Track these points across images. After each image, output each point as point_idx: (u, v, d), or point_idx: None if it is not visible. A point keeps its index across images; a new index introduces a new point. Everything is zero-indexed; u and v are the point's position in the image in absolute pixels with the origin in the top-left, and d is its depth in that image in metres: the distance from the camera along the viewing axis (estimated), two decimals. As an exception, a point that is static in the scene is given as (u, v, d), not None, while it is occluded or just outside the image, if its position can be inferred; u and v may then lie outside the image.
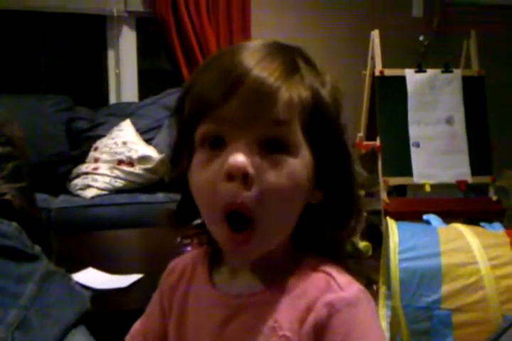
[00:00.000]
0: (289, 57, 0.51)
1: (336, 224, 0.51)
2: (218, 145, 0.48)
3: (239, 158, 0.46)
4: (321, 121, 0.50)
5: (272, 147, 0.48)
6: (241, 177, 0.46)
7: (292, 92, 0.48)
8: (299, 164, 0.48)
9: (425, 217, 1.54)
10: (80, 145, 2.45)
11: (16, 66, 2.89)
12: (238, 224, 0.47)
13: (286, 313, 0.48)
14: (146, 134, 2.43)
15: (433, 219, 1.50)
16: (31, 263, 0.73)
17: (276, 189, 0.47)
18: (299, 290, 0.48)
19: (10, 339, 0.59)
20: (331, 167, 0.51)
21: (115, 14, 2.81)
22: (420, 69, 2.50)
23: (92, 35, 3.01)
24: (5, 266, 0.69)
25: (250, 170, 0.46)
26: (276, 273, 0.50)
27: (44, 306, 0.67)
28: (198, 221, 0.56)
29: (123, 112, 2.55)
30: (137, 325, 0.61)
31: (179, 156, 0.53)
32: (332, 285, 0.47)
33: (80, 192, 2.17)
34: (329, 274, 0.49)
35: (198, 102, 0.49)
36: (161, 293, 0.60)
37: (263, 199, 0.47)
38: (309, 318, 0.46)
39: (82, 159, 2.36)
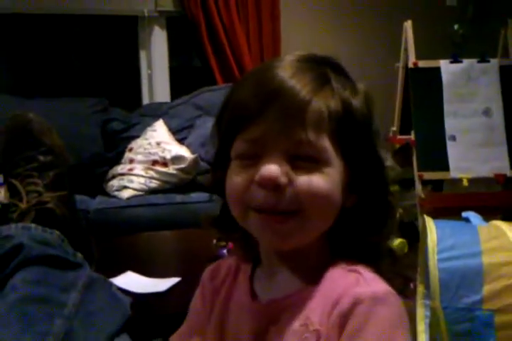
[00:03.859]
0: (320, 71, 0.53)
1: (369, 229, 0.53)
2: (253, 158, 0.51)
3: (271, 168, 0.49)
4: (351, 129, 0.52)
5: (304, 159, 0.50)
6: (273, 187, 0.49)
7: (323, 105, 0.50)
8: (330, 170, 0.51)
9: (464, 214, 1.50)
10: (115, 146, 2.50)
11: (50, 69, 2.95)
12: (273, 214, 0.50)
13: (317, 309, 0.49)
14: (179, 134, 2.46)
15: (472, 216, 1.46)
16: (74, 272, 0.75)
17: (310, 190, 0.49)
18: (329, 287, 0.50)
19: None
20: (363, 174, 0.52)
21: (146, 14, 2.84)
22: (455, 60, 2.43)
23: (124, 36, 3.05)
24: (49, 274, 0.71)
25: (282, 179, 0.49)
26: (309, 275, 0.52)
27: (88, 315, 0.69)
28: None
29: (156, 112, 2.58)
30: (182, 329, 0.62)
31: (219, 163, 0.56)
32: (360, 281, 0.49)
33: (116, 193, 2.21)
34: (358, 272, 0.50)
35: (236, 114, 0.52)
36: (204, 298, 0.61)
37: (299, 199, 0.49)
38: (336, 310, 0.48)
39: (117, 160, 2.40)
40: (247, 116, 0.50)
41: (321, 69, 0.53)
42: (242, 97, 0.52)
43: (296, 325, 0.50)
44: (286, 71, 0.51)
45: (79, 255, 0.80)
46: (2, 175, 0.91)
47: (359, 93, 0.54)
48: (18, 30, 2.89)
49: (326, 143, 0.50)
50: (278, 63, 0.53)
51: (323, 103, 0.50)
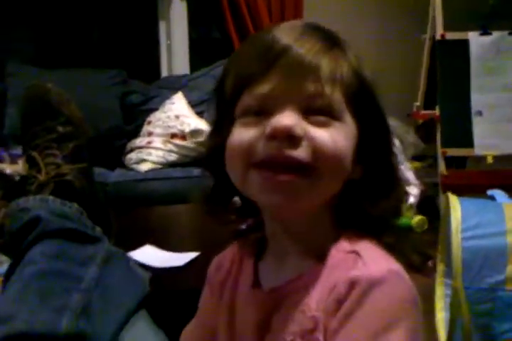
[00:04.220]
0: (329, 32, 0.51)
1: (375, 201, 0.51)
2: (261, 114, 0.48)
3: (284, 119, 0.46)
4: (363, 94, 0.50)
5: (317, 113, 0.48)
6: (286, 137, 0.45)
7: (335, 63, 0.49)
8: (344, 127, 0.48)
9: (489, 192, 1.46)
10: (134, 118, 2.48)
11: (70, 40, 2.92)
12: (281, 169, 0.46)
13: (315, 295, 0.48)
14: (198, 107, 2.43)
15: (498, 194, 1.42)
16: (93, 245, 0.74)
17: (329, 144, 0.46)
18: (329, 271, 0.48)
19: (75, 325, 0.60)
20: (372, 141, 0.50)
21: (165, -16, 2.78)
22: (485, 32, 2.34)
23: (144, 6, 2.99)
24: (68, 248, 0.70)
25: (297, 130, 0.46)
26: (314, 257, 0.50)
27: (106, 290, 0.68)
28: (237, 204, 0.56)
29: (175, 85, 2.55)
30: (194, 322, 0.61)
31: (219, 128, 0.53)
32: (357, 263, 0.47)
33: (134, 166, 2.21)
34: (358, 253, 0.48)
35: (239, 77, 0.50)
36: (212, 292, 0.60)
37: (315, 154, 0.46)
38: (332, 294, 0.46)
39: (136, 133, 2.39)
40: (252, 74, 0.48)
41: (327, 34, 0.51)
42: (245, 59, 0.50)
43: (297, 312, 0.48)
44: (292, 33, 0.49)
45: (98, 229, 0.79)
46: (21, 146, 0.89)
47: (361, 60, 0.52)
48: (40, 1, 2.86)
49: (339, 98, 0.48)
50: (281, 26, 0.51)
51: (335, 62, 0.49)
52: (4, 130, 2.25)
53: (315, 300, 0.47)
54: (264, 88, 0.48)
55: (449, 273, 1.51)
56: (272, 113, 0.47)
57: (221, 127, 0.52)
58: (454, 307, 1.32)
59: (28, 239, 0.71)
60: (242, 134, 0.48)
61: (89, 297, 0.65)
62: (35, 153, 0.83)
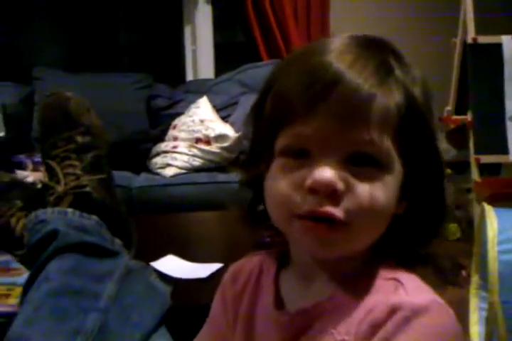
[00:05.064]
0: (382, 58, 0.46)
1: (418, 237, 0.48)
2: (303, 155, 0.44)
3: (326, 173, 0.42)
4: (414, 126, 0.45)
5: (363, 161, 0.44)
6: (329, 193, 0.42)
7: (388, 99, 0.44)
8: (391, 178, 0.45)
9: (527, 202, 1.39)
10: (159, 123, 2.48)
11: (96, 44, 2.94)
12: (322, 223, 0.44)
13: (346, 318, 0.45)
14: (223, 111, 2.41)
15: (536, 205, 1.35)
16: (111, 260, 0.71)
17: (369, 205, 0.43)
18: (364, 295, 0.45)
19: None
20: (420, 177, 0.47)
21: (191, -12, 2.77)
22: (519, 35, 2.26)
23: (169, 11, 3.00)
24: (85, 263, 0.68)
25: (340, 185, 0.43)
26: (346, 281, 0.47)
27: (124, 309, 0.65)
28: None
29: (200, 89, 2.54)
30: (201, 336, 0.58)
31: (257, 160, 0.49)
32: (399, 290, 0.44)
33: (159, 170, 2.20)
34: (399, 280, 0.45)
35: (282, 106, 0.45)
36: (225, 303, 0.56)
37: (354, 214, 0.43)
38: (368, 318, 0.43)
39: (161, 137, 2.38)
40: (295, 110, 0.44)
41: (382, 55, 0.46)
42: (289, 87, 0.45)
43: (325, 335, 0.45)
44: (343, 58, 0.44)
45: (117, 242, 0.77)
46: (40, 155, 0.88)
47: (417, 81, 0.47)
48: (66, 4, 2.88)
49: (389, 144, 0.44)
50: (331, 46, 0.45)
51: (388, 97, 0.44)
52: (32, 133, 2.26)
53: (346, 324, 0.45)
54: (306, 129, 0.43)
55: (483, 286, 1.45)
56: (314, 157, 0.44)
57: (259, 157, 0.49)
58: (490, 322, 1.26)
59: (45, 253, 0.69)
60: (282, 182, 0.45)
61: (106, 316, 0.62)
62: (54, 163, 0.81)
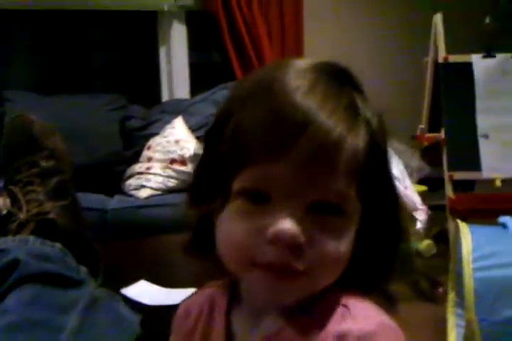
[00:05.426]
0: (348, 96, 0.44)
1: (372, 267, 0.47)
2: (263, 200, 0.42)
3: (289, 225, 0.40)
4: (377, 165, 0.45)
5: (327, 210, 0.42)
6: (289, 247, 0.41)
7: (357, 142, 0.42)
8: (352, 225, 0.43)
9: (502, 219, 1.40)
10: (133, 144, 2.45)
11: (69, 65, 2.92)
12: (281, 272, 0.42)
13: None
14: (198, 131, 2.39)
15: (510, 222, 1.36)
16: (76, 290, 0.68)
17: (331, 257, 0.42)
18: (313, 326, 0.43)
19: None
20: (376, 213, 0.45)
21: (165, 9, 2.78)
22: (488, 54, 2.31)
23: (144, 31, 3.00)
24: (47, 294, 0.65)
25: (302, 239, 0.41)
26: (296, 311, 0.45)
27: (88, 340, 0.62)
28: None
29: (175, 109, 2.52)
30: None
31: (208, 197, 0.46)
32: (345, 318, 0.43)
33: (133, 192, 2.16)
34: (346, 307, 0.44)
35: (243, 146, 0.41)
36: (178, 339, 0.53)
37: (314, 266, 0.42)
38: None
39: (136, 158, 2.35)
40: (258, 152, 0.40)
41: (349, 93, 0.44)
42: (251, 125, 0.41)
43: None
44: (312, 97, 0.41)
45: (83, 269, 0.74)
46: (3, 180, 0.85)
47: (374, 112, 0.46)
48: (38, 26, 2.86)
49: (353, 193, 0.42)
50: (295, 81, 0.42)
51: (357, 140, 0.42)
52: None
53: None
54: (270, 173, 0.41)
55: (460, 303, 1.44)
56: (275, 204, 0.41)
57: (211, 194, 0.45)
58: (468, 340, 1.25)
59: (5, 284, 0.65)
60: (239, 227, 0.42)
61: (67, 351, 0.59)
62: (16, 189, 0.78)
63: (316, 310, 0.44)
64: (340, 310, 0.43)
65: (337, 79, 0.44)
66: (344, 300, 0.44)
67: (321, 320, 0.43)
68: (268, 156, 0.40)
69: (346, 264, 0.45)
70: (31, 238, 0.72)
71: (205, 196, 0.46)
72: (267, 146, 0.40)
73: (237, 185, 0.43)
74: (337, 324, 0.42)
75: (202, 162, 0.48)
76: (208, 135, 0.47)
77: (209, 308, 0.51)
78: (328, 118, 0.41)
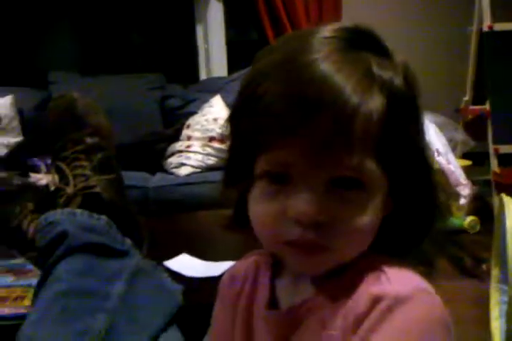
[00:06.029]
0: (365, 62, 0.43)
1: (409, 234, 0.47)
2: (284, 180, 0.43)
3: (309, 205, 0.42)
4: (397, 128, 0.43)
5: (347, 184, 0.43)
6: (310, 225, 0.42)
7: (370, 112, 0.42)
8: (376, 198, 0.44)
9: (547, 193, 1.35)
10: (173, 123, 2.49)
11: (108, 46, 2.96)
12: (308, 248, 0.44)
13: (333, 313, 0.44)
14: (237, 109, 2.40)
15: (557, 195, 1.31)
16: (121, 260, 0.71)
17: (353, 231, 0.43)
18: (349, 287, 0.45)
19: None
20: (405, 181, 0.45)
21: (202, -13, 2.77)
22: (537, 22, 2.21)
23: (181, 10, 3.00)
24: (94, 264, 0.68)
25: (322, 218, 0.42)
26: (330, 277, 0.46)
27: (132, 309, 0.65)
28: None
29: (213, 88, 2.54)
30: (209, 335, 0.58)
31: (236, 179, 0.48)
32: (381, 280, 0.43)
33: (174, 170, 2.21)
34: (381, 269, 0.44)
35: (259, 128, 0.42)
36: (224, 303, 0.56)
37: (340, 240, 0.43)
38: (352, 311, 0.43)
39: (176, 137, 2.39)
40: (276, 132, 0.41)
41: (364, 58, 0.44)
42: (270, 101, 0.42)
43: (313, 331, 0.45)
44: (325, 70, 0.41)
45: (128, 241, 0.77)
46: (51, 158, 0.89)
47: (398, 69, 0.45)
48: (79, 7, 2.91)
49: (371, 164, 0.42)
50: (312, 54, 0.42)
51: (370, 110, 0.42)
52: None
53: (332, 319, 0.44)
54: (287, 155, 0.42)
55: (504, 279, 1.42)
56: (296, 183, 0.43)
57: (238, 177, 0.48)
58: (510, 316, 1.23)
59: (55, 255, 0.69)
60: (264, 209, 0.44)
61: (114, 317, 0.62)
62: (63, 165, 0.81)
63: (350, 274, 0.45)
64: (375, 273, 0.44)
65: (354, 45, 0.44)
66: (380, 265, 0.45)
67: (355, 283, 0.44)
68: (285, 137, 0.41)
69: (375, 233, 0.45)
70: (79, 211, 0.75)
71: (237, 176, 0.48)
72: (283, 126, 0.41)
73: (259, 167, 0.44)
74: (372, 286, 0.43)
75: (230, 142, 0.49)
76: (231, 117, 0.47)
77: (254, 273, 0.53)
78: (341, 90, 0.41)
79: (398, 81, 0.44)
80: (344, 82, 0.41)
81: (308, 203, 0.42)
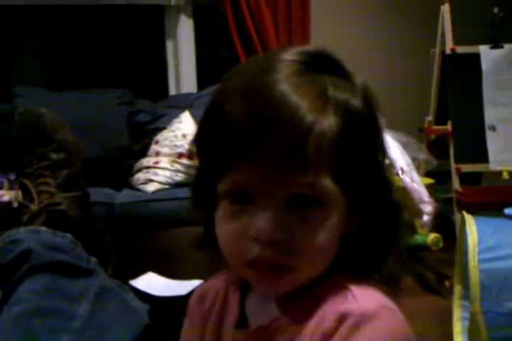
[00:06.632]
0: (321, 83, 0.45)
1: (372, 251, 0.48)
2: (246, 200, 0.44)
3: (267, 223, 0.42)
4: (353, 147, 0.44)
5: (304, 202, 0.43)
6: (268, 243, 0.43)
7: (323, 132, 0.43)
8: (334, 214, 0.44)
9: (507, 210, 1.40)
10: (141, 138, 2.47)
11: (77, 61, 2.93)
12: (268, 268, 0.44)
13: (300, 331, 0.45)
14: (206, 125, 2.40)
15: (516, 213, 1.36)
16: (86, 279, 0.70)
17: (312, 249, 0.44)
18: (314, 307, 0.45)
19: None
20: (365, 200, 0.46)
21: (173, 3, 2.78)
22: (496, 45, 2.30)
23: (151, 26, 3.00)
24: (58, 283, 0.67)
25: (280, 235, 0.43)
26: (296, 296, 0.47)
27: (98, 329, 0.64)
28: None
29: (182, 103, 2.53)
30: None
31: (203, 199, 0.49)
32: (347, 297, 0.44)
33: (141, 186, 2.18)
34: (348, 288, 0.45)
35: (225, 144, 0.44)
36: (192, 324, 0.56)
37: (300, 259, 0.44)
38: (319, 328, 0.44)
39: (144, 153, 2.37)
40: (237, 152, 0.43)
41: (321, 79, 0.45)
42: (232, 121, 0.43)
43: None
44: (281, 92, 0.43)
45: (93, 260, 0.75)
46: (15, 173, 0.87)
47: (357, 90, 0.46)
48: (46, 21, 2.88)
49: (327, 182, 0.43)
50: (273, 76, 0.44)
51: (323, 130, 0.43)
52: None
53: (301, 338, 0.45)
54: (246, 173, 0.43)
55: (466, 295, 1.45)
56: (257, 203, 0.44)
57: (204, 197, 0.48)
58: (472, 333, 1.25)
59: (18, 273, 0.67)
60: (227, 229, 0.45)
61: (79, 337, 0.61)
62: (27, 181, 0.79)
63: (317, 293, 0.46)
64: (341, 292, 0.45)
65: (313, 68, 0.46)
66: (345, 284, 0.46)
67: (322, 302, 0.45)
68: (243, 156, 0.42)
69: (335, 251, 0.46)
70: (43, 229, 0.73)
71: (203, 196, 0.49)
72: (243, 145, 0.42)
73: (220, 188, 0.45)
74: (338, 304, 0.44)
75: (198, 162, 0.50)
76: (198, 131, 0.48)
77: (224, 292, 0.54)
78: (296, 109, 0.42)
79: (356, 102, 0.45)
80: (300, 101, 0.42)
81: (266, 221, 0.43)
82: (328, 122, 0.43)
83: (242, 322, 0.51)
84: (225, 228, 0.46)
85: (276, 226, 0.43)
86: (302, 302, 0.46)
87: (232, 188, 0.44)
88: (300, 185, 0.43)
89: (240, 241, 0.44)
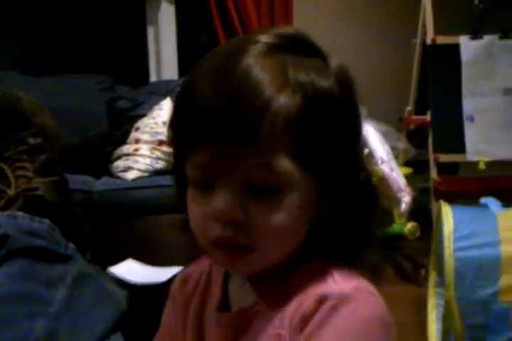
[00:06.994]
0: (281, 68, 0.45)
1: (347, 236, 0.48)
2: (207, 186, 0.45)
3: (222, 202, 0.44)
4: (317, 134, 0.44)
5: (259, 187, 0.44)
6: (227, 222, 0.44)
7: (279, 112, 0.43)
8: (294, 197, 0.45)
9: (482, 200, 1.43)
10: (121, 125, 2.44)
11: (57, 46, 2.88)
12: (231, 248, 0.45)
13: (281, 314, 0.46)
14: (187, 113, 2.39)
15: (491, 202, 1.39)
16: (63, 265, 0.69)
17: (270, 230, 0.44)
18: (296, 289, 0.46)
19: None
20: (335, 184, 0.46)
21: (154, -11, 2.75)
22: (476, 36, 2.32)
23: (132, 12, 2.96)
24: (35, 268, 0.66)
25: (235, 214, 0.44)
26: (279, 279, 0.48)
27: (76, 314, 0.64)
28: None
29: (163, 90, 2.51)
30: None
31: (180, 184, 0.50)
32: (327, 281, 0.45)
33: (121, 174, 2.17)
34: (328, 272, 0.46)
35: (181, 139, 0.46)
36: (175, 307, 0.56)
37: (259, 240, 0.45)
38: (299, 310, 0.44)
39: (123, 139, 2.35)
40: (191, 139, 0.44)
41: (283, 60, 0.45)
42: (189, 113, 0.44)
43: (262, 332, 0.47)
44: (248, 68, 0.43)
45: (71, 245, 0.75)
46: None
47: (330, 72, 0.46)
48: (26, 6, 2.82)
49: (284, 161, 0.43)
50: (241, 56, 0.44)
51: (280, 110, 0.43)
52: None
53: (280, 318, 0.46)
54: (202, 157, 0.44)
55: (441, 283, 1.48)
56: (214, 187, 0.45)
57: (179, 181, 0.49)
58: (446, 320, 1.28)
59: (-6, 258, 0.66)
60: (195, 212, 0.47)
61: (56, 322, 0.61)
62: (5, 166, 0.78)
63: (297, 277, 0.46)
64: (322, 275, 0.46)
65: (281, 49, 0.46)
66: (326, 268, 0.46)
67: (302, 285, 0.45)
68: (204, 138, 0.43)
69: (302, 234, 0.47)
70: (20, 214, 0.72)
71: (178, 182, 0.50)
72: (204, 127, 0.43)
73: (187, 173, 0.46)
74: (318, 287, 0.44)
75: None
76: (171, 117, 0.48)
77: (207, 276, 0.54)
78: (254, 89, 0.42)
79: (324, 83, 0.45)
80: (260, 79, 0.43)
81: (225, 202, 0.43)
82: (286, 100, 0.43)
83: (225, 304, 0.51)
84: (193, 211, 0.47)
85: (233, 207, 0.43)
86: (280, 287, 0.47)
87: (195, 174, 0.45)
88: (255, 165, 0.43)
89: (205, 223, 0.45)
